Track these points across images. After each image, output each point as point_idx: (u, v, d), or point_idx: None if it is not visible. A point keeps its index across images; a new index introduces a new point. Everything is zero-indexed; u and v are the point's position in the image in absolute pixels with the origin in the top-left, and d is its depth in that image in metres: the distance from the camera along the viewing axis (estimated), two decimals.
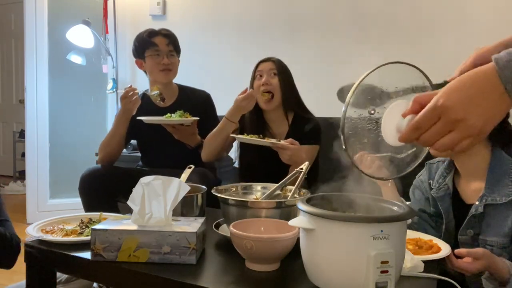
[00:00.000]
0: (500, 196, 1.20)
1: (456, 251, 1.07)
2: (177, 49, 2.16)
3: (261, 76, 1.99)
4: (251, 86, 2.04)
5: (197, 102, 2.16)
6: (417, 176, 1.48)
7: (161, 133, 2.01)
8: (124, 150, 2.42)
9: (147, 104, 2.09)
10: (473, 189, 1.29)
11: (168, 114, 1.97)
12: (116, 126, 2.02)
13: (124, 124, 2.00)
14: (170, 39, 2.13)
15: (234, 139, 2.01)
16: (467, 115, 0.58)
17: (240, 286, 0.91)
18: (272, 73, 1.98)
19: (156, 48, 2.08)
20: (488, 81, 0.59)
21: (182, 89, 2.22)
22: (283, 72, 2.00)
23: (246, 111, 1.93)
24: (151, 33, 2.11)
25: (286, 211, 1.14)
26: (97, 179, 1.95)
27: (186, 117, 1.96)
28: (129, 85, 1.99)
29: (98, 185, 1.93)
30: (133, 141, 2.37)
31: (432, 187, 1.38)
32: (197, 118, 1.99)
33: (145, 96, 2.13)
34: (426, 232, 1.25)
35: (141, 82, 2.14)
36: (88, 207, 1.92)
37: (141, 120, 1.96)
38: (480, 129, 0.59)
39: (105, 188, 1.92)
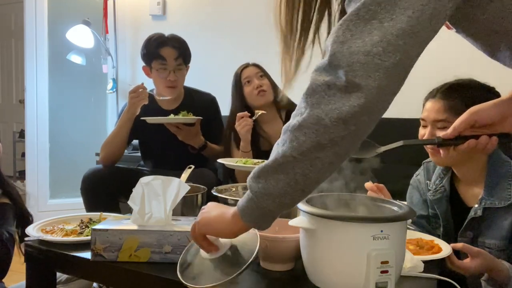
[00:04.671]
0: (499, 200, 1.19)
1: (452, 245, 1.07)
2: (186, 60, 2.07)
3: (249, 81, 2.02)
4: (239, 93, 2.04)
5: (202, 105, 2.14)
6: (414, 175, 1.46)
7: (164, 135, 2.01)
8: None
9: (152, 106, 2.08)
10: (472, 192, 1.28)
11: (172, 115, 1.97)
12: (119, 125, 2.01)
13: (127, 124, 2.00)
14: (180, 51, 2.03)
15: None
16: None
17: (244, 286, 0.91)
18: (259, 76, 2.04)
19: (163, 62, 2.01)
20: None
21: (188, 91, 2.19)
22: (267, 73, 2.07)
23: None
24: (160, 43, 2.01)
25: (287, 211, 1.13)
26: (100, 179, 1.94)
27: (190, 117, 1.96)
28: (141, 83, 1.98)
29: (100, 185, 1.93)
30: (133, 141, 2.37)
31: (429, 188, 1.37)
32: (201, 118, 1.98)
33: (150, 97, 2.12)
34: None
35: (148, 85, 2.13)
36: (90, 207, 1.92)
37: (144, 122, 1.95)
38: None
39: (107, 189, 1.92)
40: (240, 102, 2.06)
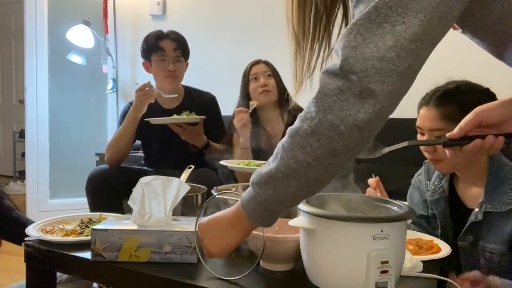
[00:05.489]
0: (500, 204, 1.17)
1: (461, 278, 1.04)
2: (185, 54, 2.13)
3: (256, 78, 2.03)
4: (246, 88, 2.05)
5: (202, 104, 2.16)
6: (415, 175, 1.46)
7: (167, 134, 2.02)
8: None
9: (153, 105, 2.08)
10: (472, 193, 1.27)
11: (175, 115, 1.98)
12: (125, 124, 2.01)
13: (133, 123, 2.00)
14: (179, 43, 2.09)
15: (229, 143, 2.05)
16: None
17: (244, 286, 0.91)
18: (267, 74, 2.05)
19: (162, 53, 2.06)
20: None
21: (188, 90, 2.21)
22: (276, 73, 2.08)
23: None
24: (159, 36, 2.08)
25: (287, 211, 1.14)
26: (105, 179, 1.95)
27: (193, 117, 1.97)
28: (147, 81, 1.99)
29: (105, 185, 1.93)
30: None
31: (428, 188, 1.36)
32: (204, 117, 1.99)
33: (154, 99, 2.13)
34: None
35: (142, 83, 2.14)
36: (94, 207, 1.92)
37: (146, 121, 1.96)
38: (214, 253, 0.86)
39: (113, 189, 1.92)
40: (245, 98, 2.07)
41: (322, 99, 0.65)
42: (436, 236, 1.27)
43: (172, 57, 2.07)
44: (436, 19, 0.61)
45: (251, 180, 0.76)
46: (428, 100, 1.25)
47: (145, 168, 2.22)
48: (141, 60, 2.18)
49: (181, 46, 2.09)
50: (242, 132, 1.92)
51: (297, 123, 0.69)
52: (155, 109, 2.08)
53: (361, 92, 0.62)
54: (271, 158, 0.74)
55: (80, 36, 3.32)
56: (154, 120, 1.95)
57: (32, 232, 1.17)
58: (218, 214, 0.87)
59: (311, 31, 0.79)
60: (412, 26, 0.60)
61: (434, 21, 0.61)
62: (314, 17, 0.79)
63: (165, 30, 2.14)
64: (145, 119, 1.96)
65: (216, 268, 0.94)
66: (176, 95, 2.10)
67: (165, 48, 2.06)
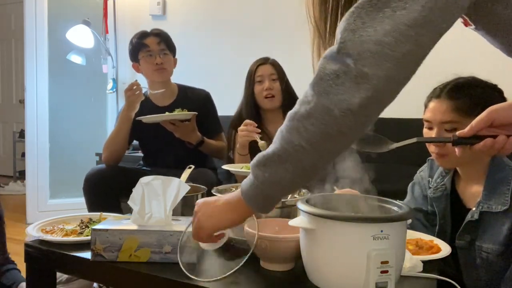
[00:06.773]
0: (496, 205, 1.16)
1: None
2: (170, 48, 2.16)
3: (261, 81, 2.01)
4: (250, 89, 2.04)
5: (196, 101, 2.17)
6: (418, 171, 1.45)
7: (162, 133, 2.02)
8: None
9: (147, 105, 2.10)
10: (472, 193, 1.26)
11: (167, 113, 1.98)
12: (119, 125, 2.03)
13: (127, 122, 2.01)
14: (161, 37, 2.13)
15: (231, 142, 2.04)
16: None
17: (244, 286, 0.91)
18: (272, 78, 2.02)
19: (147, 49, 2.09)
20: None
21: (181, 88, 2.23)
22: (282, 75, 2.05)
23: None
24: (142, 35, 2.13)
25: (286, 211, 1.14)
26: (102, 179, 1.95)
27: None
28: (134, 80, 2.00)
29: (102, 185, 1.93)
30: (134, 142, 2.38)
31: (430, 185, 1.36)
32: (196, 113, 2.00)
33: (144, 97, 2.13)
34: (418, 231, 1.24)
35: (141, 82, 2.14)
36: (92, 207, 1.92)
37: (141, 121, 1.96)
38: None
39: (110, 188, 1.92)
40: (250, 98, 2.05)
41: (318, 83, 0.65)
42: (433, 232, 1.27)
43: (158, 51, 2.10)
44: (441, 6, 0.60)
45: (251, 163, 0.77)
46: (439, 93, 1.24)
47: (144, 168, 2.23)
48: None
49: (164, 40, 2.13)
50: (242, 142, 1.90)
51: (295, 107, 0.69)
52: (150, 108, 2.09)
53: (356, 76, 0.61)
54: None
55: (80, 36, 3.32)
56: (146, 119, 1.95)
57: (32, 232, 1.17)
58: (218, 196, 0.90)
59: (333, 22, 0.78)
60: (412, 12, 0.59)
61: (437, 8, 0.59)
62: (336, 7, 0.77)
63: (161, 30, 2.18)
64: (137, 118, 1.97)
65: (210, 268, 0.93)
66: (163, 90, 2.10)
67: (149, 44, 2.10)
